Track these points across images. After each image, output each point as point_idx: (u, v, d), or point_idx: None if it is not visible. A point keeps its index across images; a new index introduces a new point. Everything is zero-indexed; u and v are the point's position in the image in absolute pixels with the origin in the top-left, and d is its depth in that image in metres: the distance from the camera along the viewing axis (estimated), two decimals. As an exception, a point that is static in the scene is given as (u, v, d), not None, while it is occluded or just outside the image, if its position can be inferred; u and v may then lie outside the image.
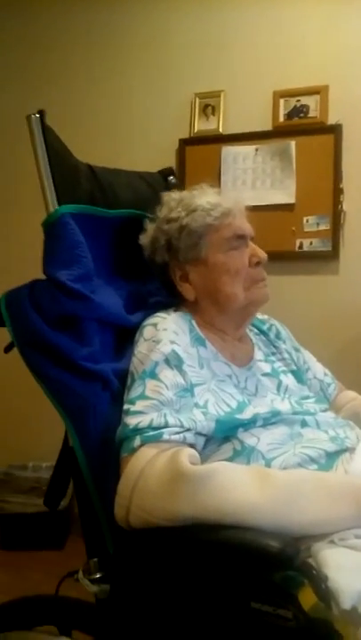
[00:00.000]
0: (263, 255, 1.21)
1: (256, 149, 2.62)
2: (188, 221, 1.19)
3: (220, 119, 2.68)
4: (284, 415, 1.11)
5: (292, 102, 2.58)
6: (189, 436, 0.97)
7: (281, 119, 2.58)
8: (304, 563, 0.82)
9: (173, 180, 1.54)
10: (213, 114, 2.70)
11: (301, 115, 2.57)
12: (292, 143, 2.54)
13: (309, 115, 2.55)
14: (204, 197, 1.22)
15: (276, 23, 2.57)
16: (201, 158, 2.71)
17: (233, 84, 2.66)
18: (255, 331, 1.36)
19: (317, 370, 1.40)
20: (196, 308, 1.23)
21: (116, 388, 1.08)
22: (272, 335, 1.37)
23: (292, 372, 1.32)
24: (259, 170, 2.62)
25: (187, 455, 0.91)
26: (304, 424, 1.13)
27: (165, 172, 1.54)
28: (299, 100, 2.57)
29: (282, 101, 2.59)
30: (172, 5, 2.72)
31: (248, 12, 2.61)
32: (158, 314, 1.18)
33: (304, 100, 2.56)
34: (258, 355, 1.28)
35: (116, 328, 1.18)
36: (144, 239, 1.25)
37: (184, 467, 0.88)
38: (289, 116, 2.58)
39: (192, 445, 0.99)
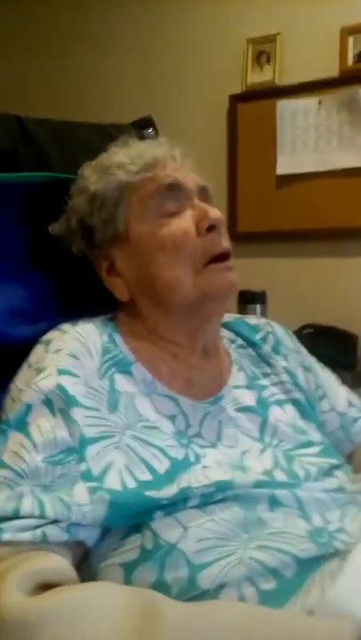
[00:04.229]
0: (216, 215, 0.79)
1: (319, 102, 2.13)
2: (98, 187, 0.81)
3: (276, 68, 2.22)
4: (240, 488, 0.69)
5: (364, 40, 2.07)
6: (54, 532, 0.60)
7: (350, 62, 2.09)
8: None
9: (151, 133, 1.15)
10: (268, 62, 2.24)
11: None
12: (363, 90, 2.05)
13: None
14: (123, 151, 0.84)
15: None
16: (255, 116, 2.26)
17: (291, 25, 2.19)
18: (240, 342, 0.93)
19: (338, 398, 0.94)
20: (136, 310, 0.84)
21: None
22: (267, 348, 0.93)
23: (294, 402, 0.88)
24: (323, 127, 2.14)
25: (17, 582, 0.53)
26: (274, 502, 0.70)
27: (141, 124, 1.15)
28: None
29: (351, 40, 2.09)
30: None
31: None
32: (63, 325, 0.80)
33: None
34: (237, 378, 0.86)
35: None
36: (55, 227, 0.87)
37: (4, 607, 0.51)
38: (359, 57, 2.08)
39: (77, 542, 0.62)
